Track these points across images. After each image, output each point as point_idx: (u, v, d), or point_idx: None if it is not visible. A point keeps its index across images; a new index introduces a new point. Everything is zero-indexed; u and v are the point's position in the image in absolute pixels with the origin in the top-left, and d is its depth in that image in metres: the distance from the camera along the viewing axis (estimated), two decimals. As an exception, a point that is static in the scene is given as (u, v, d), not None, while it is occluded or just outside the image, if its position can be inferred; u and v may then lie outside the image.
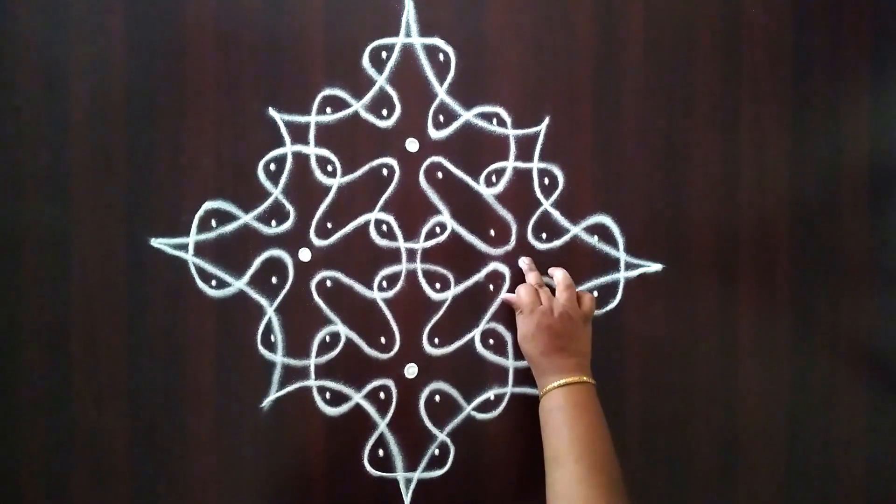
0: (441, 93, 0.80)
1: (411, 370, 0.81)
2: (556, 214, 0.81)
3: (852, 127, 0.82)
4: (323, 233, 0.80)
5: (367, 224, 0.80)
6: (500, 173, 0.81)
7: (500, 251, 0.81)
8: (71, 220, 0.79)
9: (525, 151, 0.81)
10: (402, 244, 0.80)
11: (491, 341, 0.81)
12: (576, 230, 0.81)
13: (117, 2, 0.78)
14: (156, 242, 0.79)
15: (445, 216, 0.80)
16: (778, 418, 0.83)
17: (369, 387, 0.81)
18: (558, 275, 0.78)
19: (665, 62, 0.81)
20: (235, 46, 0.79)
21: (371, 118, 0.80)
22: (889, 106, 0.82)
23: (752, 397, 0.82)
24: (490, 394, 0.81)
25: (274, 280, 0.80)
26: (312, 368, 0.80)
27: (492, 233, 0.81)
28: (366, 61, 0.79)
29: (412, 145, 0.80)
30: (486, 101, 0.80)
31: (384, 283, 0.80)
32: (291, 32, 0.79)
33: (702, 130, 0.81)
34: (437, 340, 0.81)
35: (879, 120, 0.82)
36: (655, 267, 0.82)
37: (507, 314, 0.81)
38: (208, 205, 0.79)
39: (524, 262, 0.80)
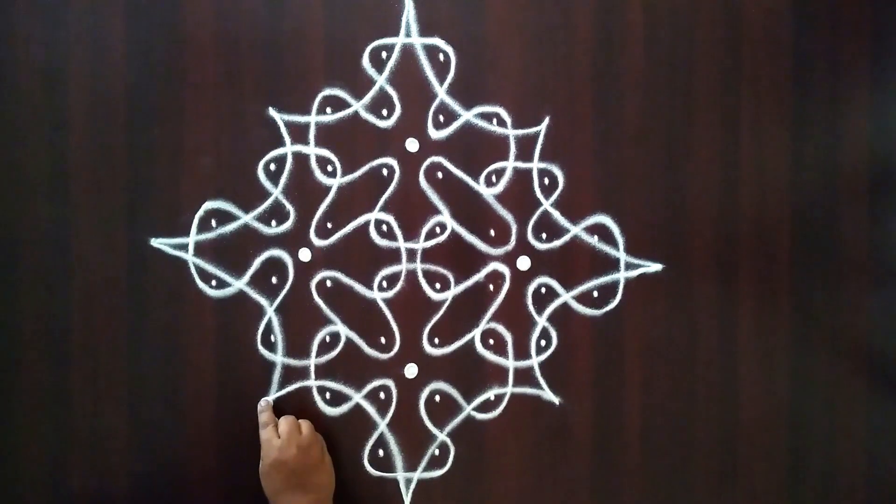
0: (441, 93, 0.80)
1: (411, 370, 0.81)
2: (556, 214, 0.81)
3: (852, 127, 0.82)
4: (323, 233, 0.80)
5: (367, 224, 0.80)
6: (500, 173, 0.81)
7: (500, 251, 0.81)
8: (71, 220, 0.79)
9: (525, 151, 0.81)
10: (402, 244, 0.80)
11: (491, 341, 0.81)
12: (576, 230, 0.81)
13: (117, 2, 0.78)
14: (156, 242, 0.79)
15: (445, 216, 0.80)
16: (778, 418, 0.83)
17: (369, 387, 0.81)
18: (264, 417, 0.77)
19: (665, 62, 0.81)
20: (235, 46, 0.79)
21: (371, 118, 0.80)
22: (889, 106, 0.82)
23: (752, 397, 0.82)
24: (490, 394, 0.81)
25: (274, 280, 0.80)
26: (312, 368, 0.80)
27: (492, 233, 0.81)
28: (366, 61, 0.79)
29: (412, 145, 0.80)
30: (486, 101, 0.80)
31: (384, 283, 0.80)
32: (291, 32, 0.79)
33: (702, 130, 0.81)
34: (437, 340, 0.81)
35: (879, 120, 0.82)
36: (655, 267, 0.82)
37: (508, 314, 0.81)
38: (208, 205, 0.79)
39: (261, 405, 0.78)
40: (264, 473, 0.74)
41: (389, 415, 0.81)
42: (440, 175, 0.80)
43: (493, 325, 0.81)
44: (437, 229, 0.81)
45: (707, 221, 0.82)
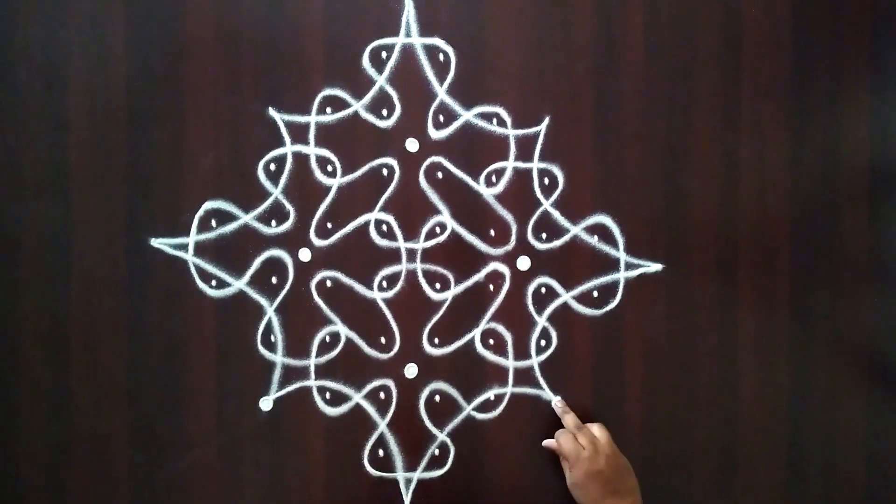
0: (441, 93, 0.80)
1: (411, 370, 0.81)
2: (556, 214, 0.81)
3: (852, 127, 0.82)
4: (323, 233, 0.80)
5: (367, 224, 0.80)
6: (500, 173, 0.81)
7: (500, 251, 0.81)
8: (71, 220, 0.79)
9: (525, 151, 0.81)
10: (402, 244, 0.80)
11: (491, 341, 0.81)
12: (576, 230, 0.81)
13: (117, 2, 0.78)
14: (156, 242, 0.79)
15: (445, 216, 0.80)
16: (778, 418, 0.83)
17: (369, 387, 0.81)
18: (569, 420, 0.78)
19: (665, 62, 0.81)
20: (235, 46, 0.79)
21: (371, 118, 0.80)
22: (889, 106, 0.82)
23: (752, 397, 0.82)
24: (490, 394, 0.81)
25: (274, 280, 0.80)
26: (312, 368, 0.80)
27: (492, 233, 0.81)
28: (366, 61, 0.79)
29: (412, 145, 0.80)
30: (486, 101, 0.80)
31: (384, 283, 0.80)
32: (291, 32, 0.79)
33: (702, 130, 0.81)
34: (437, 340, 0.81)
35: (879, 120, 0.82)
36: (655, 267, 0.82)
37: (508, 314, 0.81)
38: (208, 205, 0.79)
39: (557, 406, 0.80)
40: (579, 484, 0.74)
41: (389, 415, 0.81)
42: (440, 175, 0.80)
43: (493, 325, 0.81)
44: (437, 229, 0.81)
45: (707, 221, 0.82)
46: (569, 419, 0.78)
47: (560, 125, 0.81)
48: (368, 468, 0.81)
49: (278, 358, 0.80)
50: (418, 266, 0.80)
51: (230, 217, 0.80)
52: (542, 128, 0.81)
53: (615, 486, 0.73)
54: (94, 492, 0.79)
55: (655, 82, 0.81)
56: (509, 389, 0.81)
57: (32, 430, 0.79)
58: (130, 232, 0.79)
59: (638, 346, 0.82)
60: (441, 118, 0.80)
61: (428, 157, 0.80)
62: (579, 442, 0.75)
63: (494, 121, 0.80)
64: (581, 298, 0.81)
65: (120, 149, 0.79)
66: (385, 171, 0.80)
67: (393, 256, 0.80)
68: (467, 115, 0.80)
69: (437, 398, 0.81)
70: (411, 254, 0.80)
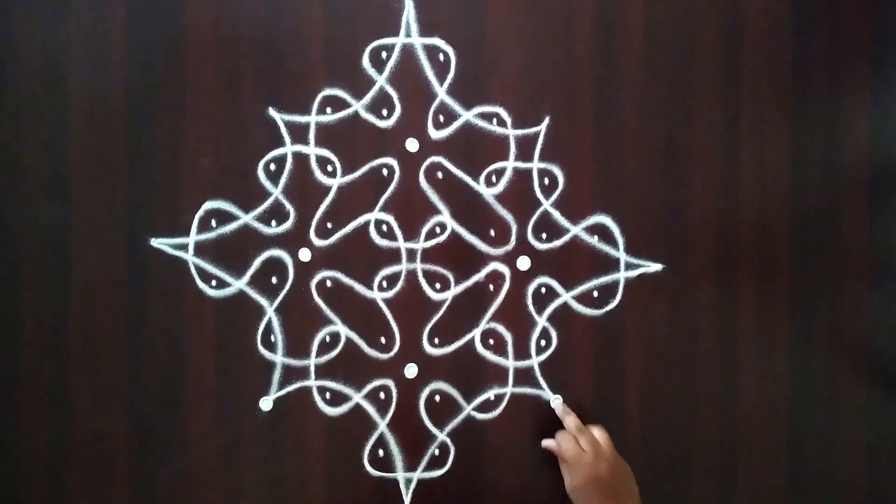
0: (441, 93, 0.80)
1: (411, 370, 0.81)
2: (556, 214, 0.81)
3: (852, 127, 0.82)
4: (323, 233, 0.80)
5: (367, 224, 0.80)
6: (500, 173, 0.81)
7: (500, 251, 0.81)
8: (71, 220, 0.79)
9: (525, 151, 0.81)
10: (402, 244, 0.80)
11: (491, 341, 0.81)
12: (576, 230, 0.81)
13: (117, 2, 0.78)
14: (156, 242, 0.79)
15: (445, 216, 0.80)
16: (778, 418, 0.83)
17: (369, 387, 0.81)
18: (570, 422, 0.78)
19: (665, 62, 0.81)
20: (235, 46, 0.79)
21: (371, 118, 0.80)
22: (889, 106, 0.82)
23: (751, 397, 0.82)
24: (490, 394, 0.81)
25: (274, 280, 0.80)
26: (312, 368, 0.80)
27: (492, 233, 0.81)
28: (366, 61, 0.79)
29: (412, 145, 0.80)
30: (486, 101, 0.80)
31: (384, 283, 0.80)
32: (291, 32, 0.79)
33: (702, 130, 0.81)
34: (437, 340, 0.81)
35: (879, 120, 0.82)
36: (655, 267, 0.82)
37: (508, 314, 0.81)
38: (208, 205, 0.79)
39: (558, 407, 0.80)
40: (579, 489, 0.73)
41: (389, 415, 0.81)
42: (440, 175, 0.80)
43: (493, 325, 0.81)
44: (437, 229, 0.81)
45: (707, 221, 0.82)
46: (570, 421, 0.78)
47: (560, 125, 0.81)
48: (368, 468, 0.81)
49: (278, 358, 0.80)
50: (418, 266, 0.80)
51: (230, 217, 0.80)
52: (542, 128, 0.81)
53: (616, 493, 0.73)
54: (94, 492, 0.79)
55: (655, 82, 0.81)
56: (509, 389, 0.81)
57: (32, 430, 0.79)
58: (130, 232, 0.79)
59: (638, 346, 0.82)
60: (441, 118, 0.80)
61: (428, 157, 0.80)
62: (581, 445, 0.75)
63: (494, 121, 0.80)
64: (581, 298, 0.81)
65: (120, 149, 0.79)
66: (385, 171, 0.80)
67: (393, 256, 0.80)
68: (467, 115, 0.80)
69: (437, 398, 0.81)
70: (411, 254, 0.80)
